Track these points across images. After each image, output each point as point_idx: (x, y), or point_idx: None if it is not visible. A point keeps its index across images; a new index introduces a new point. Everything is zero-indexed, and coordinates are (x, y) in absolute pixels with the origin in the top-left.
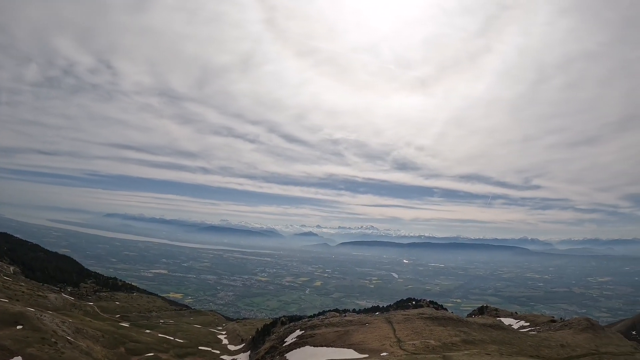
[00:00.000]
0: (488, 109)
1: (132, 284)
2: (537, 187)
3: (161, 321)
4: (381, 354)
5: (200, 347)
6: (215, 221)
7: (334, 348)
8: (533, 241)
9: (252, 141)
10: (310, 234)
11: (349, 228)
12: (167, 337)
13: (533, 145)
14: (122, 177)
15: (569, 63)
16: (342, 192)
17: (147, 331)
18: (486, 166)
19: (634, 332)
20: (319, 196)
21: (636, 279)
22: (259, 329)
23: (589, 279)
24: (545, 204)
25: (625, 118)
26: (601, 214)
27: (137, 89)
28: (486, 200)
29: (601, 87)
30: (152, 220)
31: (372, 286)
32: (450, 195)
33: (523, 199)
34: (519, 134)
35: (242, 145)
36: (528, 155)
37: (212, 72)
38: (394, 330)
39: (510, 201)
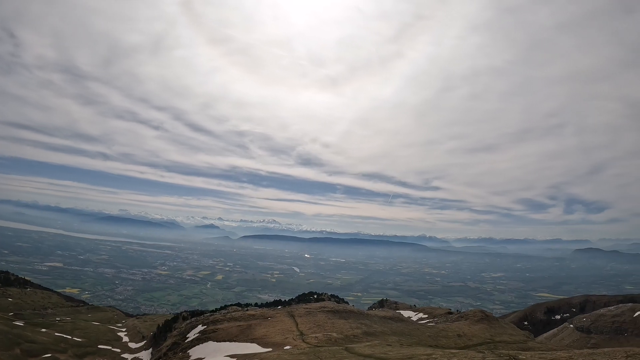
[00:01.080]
0: (394, 111)
1: (26, 278)
2: (437, 188)
3: (57, 319)
4: (284, 348)
5: (100, 346)
6: (113, 211)
7: (237, 343)
8: (431, 239)
9: (156, 128)
10: (211, 226)
11: (251, 221)
12: (65, 336)
13: (435, 149)
14: (15, 160)
15: (475, 76)
16: (245, 185)
17: (43, 330)
18: (389, 166)
19: (525, 323)
20: (222, 188)
21: (527, 274)
22: (160, 324)
23: (483, 274)
24: (443, 204)
25: (522, 130)
26: (495, 216)
27: (40, 63)
28: (387, 198)
29: (503, 100)
30: (47, 208)
31: (274, 280)
32: (353, 192)
33: (423, 198)
34: (422, 137)
35: (146, 131)
36: (429, 158)
37: (120, 52)
38: (297, 324)
39: (410, 200)
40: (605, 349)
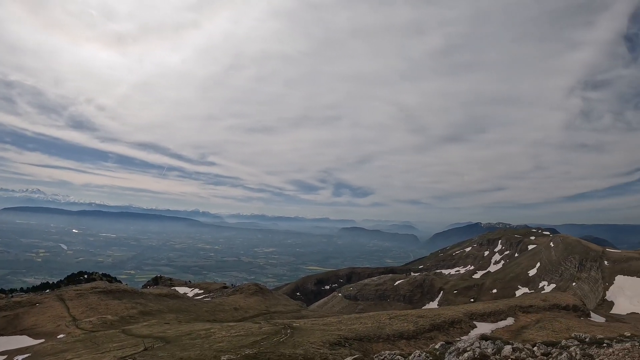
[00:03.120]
0: (179, 81)
1: None
2: (212, 163)
3: None
4: (58, 337)
5: None
6: None
7: (5, 337)
8: (204, 214)
9: None
10: None
11: (12, 191)
12: None
13: (214, 125)
14: None
15: (266, 59)
16: (8, 146)
17: None
18: (166, 137)
19: (298, 293)
20: None
21: (297, 250)
22: None
23: (256, 249)
24: (218, 180)
25: (300, 117)
26: (268, 194)
27: None
28: (161, 170)
29: (287, 87)
30: None
31: (40, 260)
32: (126, 162)
33: (197, 173)
34: (203, 111)
35: None
36: (208, 133)
37: None
38: (68, 309)
39: (185, 174)
40: (371, 313)
